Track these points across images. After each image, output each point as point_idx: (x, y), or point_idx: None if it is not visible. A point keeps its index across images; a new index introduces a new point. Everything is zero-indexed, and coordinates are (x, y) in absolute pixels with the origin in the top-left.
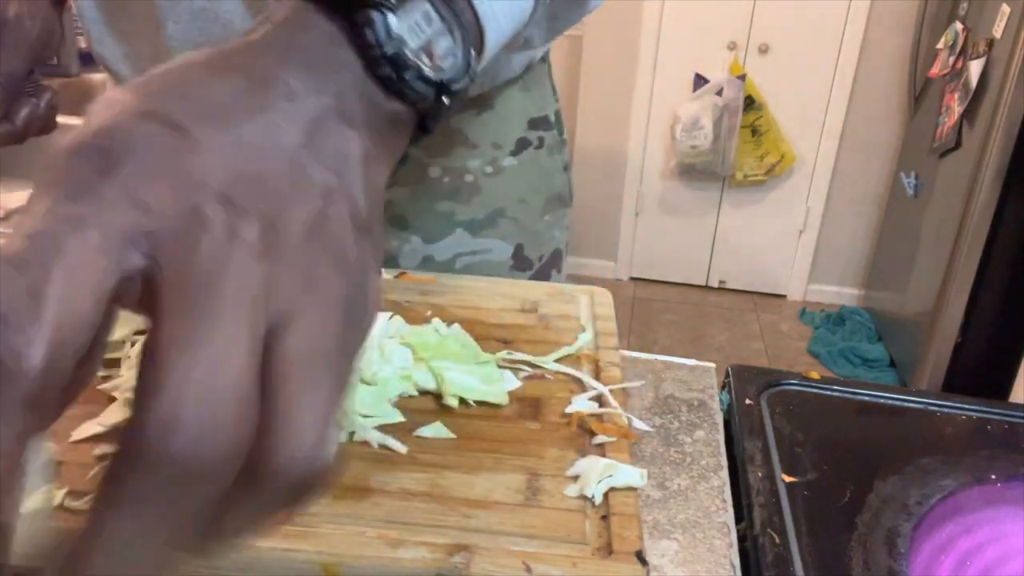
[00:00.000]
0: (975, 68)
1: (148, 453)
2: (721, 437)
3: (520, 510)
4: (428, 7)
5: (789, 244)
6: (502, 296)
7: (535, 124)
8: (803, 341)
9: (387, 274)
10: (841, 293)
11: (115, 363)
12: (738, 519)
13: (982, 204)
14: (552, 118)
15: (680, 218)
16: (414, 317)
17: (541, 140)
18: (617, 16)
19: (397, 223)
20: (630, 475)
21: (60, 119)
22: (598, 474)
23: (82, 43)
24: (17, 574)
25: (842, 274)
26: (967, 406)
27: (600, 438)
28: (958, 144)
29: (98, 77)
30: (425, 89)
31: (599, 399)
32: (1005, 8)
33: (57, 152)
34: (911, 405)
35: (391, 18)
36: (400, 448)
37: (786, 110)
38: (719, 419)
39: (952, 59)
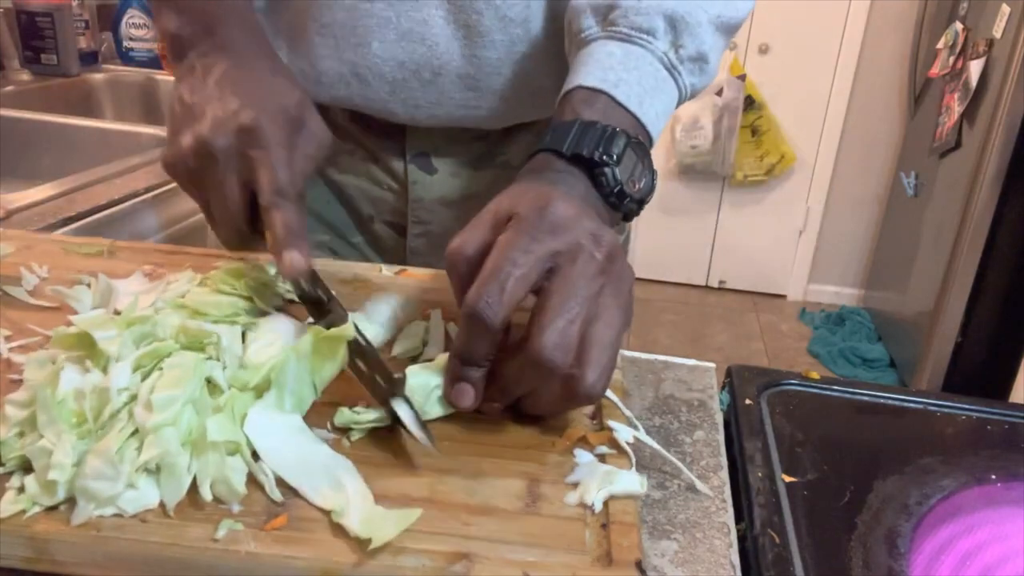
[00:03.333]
0: (975, 68)
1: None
2: (721, 437)
3: (520, 517)
4: (632, 153)
5: (789, 244)
6: None
7: None
8: (803, 341)
9: (387, 271)
10: (841, 293)
11: None
12: (738, 519)
13: (982, 204)
14: None
15: (680, 218)
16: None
17: None
18: None
19: None
20: (630, 482)
21: (58, 118)
22: (598, 481)
23: (82, 43)
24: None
25: (842, 274)
26: (967, 406)
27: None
28: (958, 144)
29: (98, 77)
30: (632, 206)
31: (598, 405)
32: (1005, 8)
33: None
34: (911, 405)
35: (616, 170)
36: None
37: (786, 110)
38: (719, 419)
39: (952, 59)
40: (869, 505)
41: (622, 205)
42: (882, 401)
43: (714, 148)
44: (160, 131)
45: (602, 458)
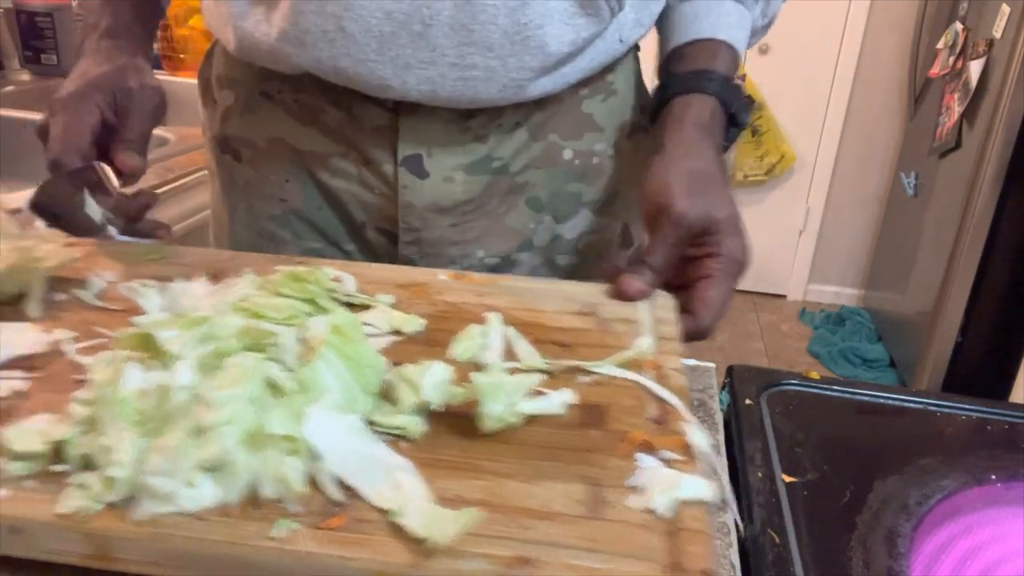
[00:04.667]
0: (975, 68)
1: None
2: (721, 437)
3: (582, 522)
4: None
5: (789, 244)
6: (560, 298)
7: (644, 110)
8: (803, 341)
9: (442, 275)
10: (841, 293)
11: None
12: None
13: (982, 204)
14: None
15: None
16: (470, 319)
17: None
18: None
19: (533, 204)
20: (697, 487)
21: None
22: (662, 485)
23: None
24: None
25: (842, 274)
26: (967, 406)
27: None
28: (958, 144)
29: None
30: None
31: (663, 408)
32: (1005, 8)
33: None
34: (911, 405)
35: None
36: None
37: (786, 110)
38: (719, 419)
39: (952, 59)
40: (869, 505)
41: (738, 127)
42: (882, 401)
43: None
44: (159, 131)
45: (667, 463)
